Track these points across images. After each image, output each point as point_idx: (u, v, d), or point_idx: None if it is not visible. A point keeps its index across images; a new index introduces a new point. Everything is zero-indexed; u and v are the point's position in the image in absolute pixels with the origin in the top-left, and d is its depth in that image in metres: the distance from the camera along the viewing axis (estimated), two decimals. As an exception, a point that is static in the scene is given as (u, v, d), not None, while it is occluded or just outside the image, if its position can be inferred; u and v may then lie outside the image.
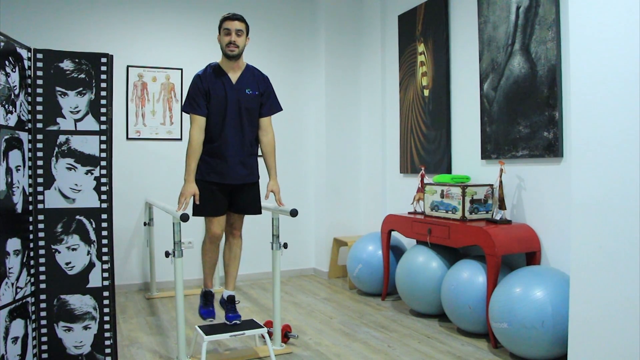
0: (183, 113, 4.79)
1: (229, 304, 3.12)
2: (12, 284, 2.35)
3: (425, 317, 3.80)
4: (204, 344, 2.79)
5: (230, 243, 3.18)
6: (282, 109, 3.21)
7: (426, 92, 4.38)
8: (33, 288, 2.52)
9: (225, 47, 2.95)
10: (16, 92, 2.39)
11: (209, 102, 2.95)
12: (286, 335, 3.30)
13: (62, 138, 2.55)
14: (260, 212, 3.19)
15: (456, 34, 4.07)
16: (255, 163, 3.10)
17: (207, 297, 3.17)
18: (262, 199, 3.19)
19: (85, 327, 2.59)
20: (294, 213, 3.00)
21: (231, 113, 2.97)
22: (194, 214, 2.97)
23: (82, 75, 2.58)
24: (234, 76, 3.01)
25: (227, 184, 3.02)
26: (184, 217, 2.74)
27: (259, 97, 3.07)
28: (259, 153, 3.14)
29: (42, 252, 2.52)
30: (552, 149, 3.20)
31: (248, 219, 3.26)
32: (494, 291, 3.04)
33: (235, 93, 2.98)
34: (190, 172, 2.92)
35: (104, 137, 2.61)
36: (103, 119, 2.61)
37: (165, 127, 4.84)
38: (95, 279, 2.60)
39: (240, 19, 2.97)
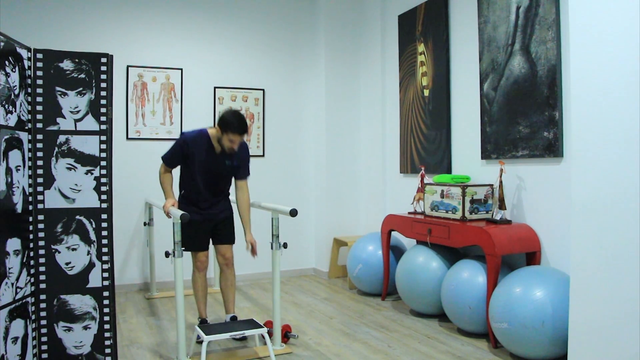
0: (182, 115, 4.92)
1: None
2: (12, 284, 2.35)
3: (425, 317, 3.80)
4: (204, 344, 2.79)
5: (225, 273, 3.44)
6: (249, 175, 3.47)
7: (426, 92, 4.38)
8: (33, 288, 2.52)
9: (225, 146, 3.17)
10: (16, 92, 2.39)
11: (189, 161, 3.26)
12: (286, 335, 3.30)
13: (62, 138, 2.55)
14: (233, 242, 3.48)
15: (456, 34, 4.07)
16: (226, 202, 3.44)
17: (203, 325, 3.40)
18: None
19: (85, 327, 2.59)
20: (293, 213, 3.01)
21: (208, 175, 3.29)
22: (185, 249, 3.22)
23: (82, 75, 2.58)
24: (218, 147, 3.26)
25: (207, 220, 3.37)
26: (184, 218, 2.76)
27: (237, 167, 3.37)
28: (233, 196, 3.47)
29: (42, 252, 2.52)
30: (552, 149, 3.20)
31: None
32: (494, 291, 3.04)
33: (216, 162, 3.28)
34: (168, 192, 3.29)
35: (104, 137, 2.61)
36: (103, 119, 2.61)
37: (165, 127, 4.84)
38: (95, 279, 2.60)
39: (246, 131, 3.17)
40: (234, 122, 3.09)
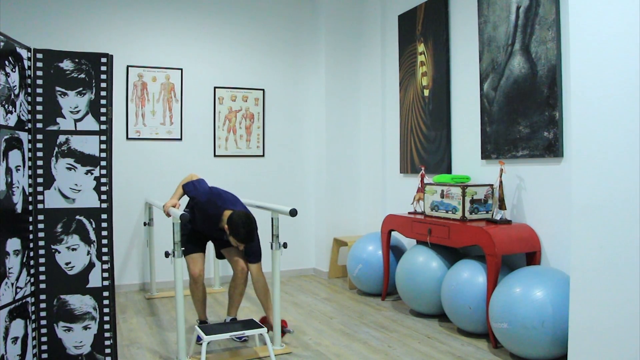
0: (182, 115, 4.92)
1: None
2: (12, 284, 2.35)
3: (425, 317, 3.80)
4: (204, 344, 2.79)
5: (237, 280, 3.34)
6: (259, 261, 3.35)
7: (426, 92, 4.38)
8: (33, 288, 2.52)
9: (230, 242, 3.12)
10: (16, 92, 2.39)
11: (195, 210, 3.26)
12: (282, 330, 3.30)
13: (62, 138, 2.55)
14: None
15: (456, 34, 4.07)
16: None
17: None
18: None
19: (85, 327, 2.59)
20: (293, 213, 3.01)
21: (208, 232, 3.31)
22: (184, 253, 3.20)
23: (82, 75, 2.58)
24: (222, 226, 3.16)
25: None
26: (184, 217, 2.76)
27: (243, 251, 3.30)
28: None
29: (42, 252, 2.52)
30: (552, 149, 3.20)
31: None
32: (494, 291, 3.04)
33: (218, 233, 3.25)
34: (176, 193, 3.24)
35: (103, 137, 2.61)
36: (103, 119, 2.61)
37: (165, 127, 4.84)
38: (95, 279, 2.60)
39: (252, 241, 3.13)
40: (241, 233, 3.01)
